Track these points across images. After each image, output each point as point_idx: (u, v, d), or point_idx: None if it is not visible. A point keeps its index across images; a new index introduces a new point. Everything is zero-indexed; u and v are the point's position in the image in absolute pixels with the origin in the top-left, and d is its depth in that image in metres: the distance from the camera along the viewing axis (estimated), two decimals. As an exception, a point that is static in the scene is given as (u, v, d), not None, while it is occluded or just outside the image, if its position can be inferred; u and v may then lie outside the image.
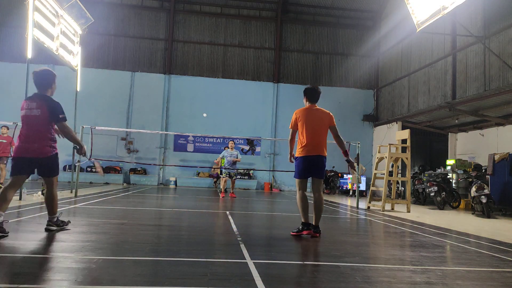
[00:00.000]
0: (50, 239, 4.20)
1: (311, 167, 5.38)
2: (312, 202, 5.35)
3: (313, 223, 5.30)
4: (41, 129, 4.54)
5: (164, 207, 8.89)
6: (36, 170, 4.58)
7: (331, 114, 5.55)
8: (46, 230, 4.67)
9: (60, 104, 4.72)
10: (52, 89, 4.85)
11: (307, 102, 5.68)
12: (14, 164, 4.51)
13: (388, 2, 19.32)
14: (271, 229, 6.35)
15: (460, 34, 13.55)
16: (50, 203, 4.73)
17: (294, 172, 5.58)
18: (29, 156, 4.46)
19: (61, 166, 18.38)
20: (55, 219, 4.78)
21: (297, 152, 5.51)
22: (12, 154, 5.34)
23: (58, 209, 4.86)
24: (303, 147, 5.42)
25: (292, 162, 5.74)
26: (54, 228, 4.73)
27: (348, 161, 5.52)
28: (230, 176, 12.43)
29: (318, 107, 5.62)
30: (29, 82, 8.68)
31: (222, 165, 13.79)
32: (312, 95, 5.63)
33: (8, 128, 11.45)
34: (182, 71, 19.61)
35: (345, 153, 5.52)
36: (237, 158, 12.42)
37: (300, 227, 5.31)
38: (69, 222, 5.03)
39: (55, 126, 4.76)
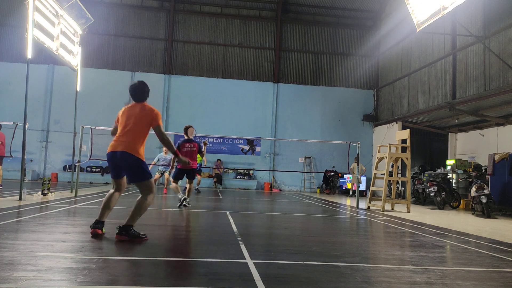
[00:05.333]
0: (50, 239, 4.20)
1: (117, 166, 4.61)
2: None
3: (124, 223, 4.53)
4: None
5: (164, 207, 8.90)
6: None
7: (155, 112, 4.72)
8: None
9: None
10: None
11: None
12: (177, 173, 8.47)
13: (388, 2, 19.32)
14: (271, 229, 6.34)
15: (460, 34, 13.55)
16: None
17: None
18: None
19: (61, 166, 18.42)
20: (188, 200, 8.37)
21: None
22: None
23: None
24: (112, 142, 4.74)
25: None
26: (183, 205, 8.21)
27: (179, 160, 5.00)
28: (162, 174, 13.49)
29: (144, 104, 4.81)
30: (29, 82, 8.69)
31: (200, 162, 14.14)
32: (132, 93, 4.84)
33: (1, 127, 10.92)
34: (182, 71, 19.61)
35: (175, 154, 4.88)
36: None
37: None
38: None
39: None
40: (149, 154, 19.27)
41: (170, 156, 13.24)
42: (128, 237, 4.44)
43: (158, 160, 13.33)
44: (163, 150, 13.48)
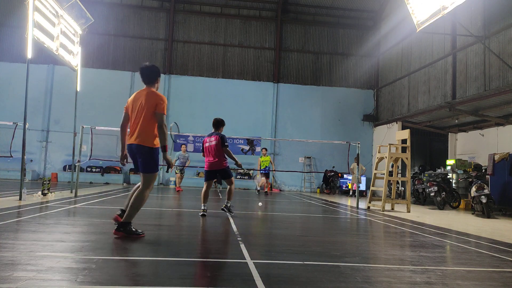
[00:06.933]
0: (50, 239, 4.20)
1: (133, 158, 4.72)
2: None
3: (122, 219, 4.60)
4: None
5: (164, 207, 8.90)
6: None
7: (160, 97, 4.70)
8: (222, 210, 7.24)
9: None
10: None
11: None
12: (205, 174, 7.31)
13: (388, 2, 19.31)
14: (271, 229, 6.34)
15: (460, 34, 13.55)
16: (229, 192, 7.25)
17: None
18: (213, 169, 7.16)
19: (61, 166, 18.42)
20: (229, 205, 7.21)
21: None
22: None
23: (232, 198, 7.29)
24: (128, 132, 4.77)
25: (124, 165, 5.17)
26: (227, 212, 7.17)
27: (164, 158, 4.69)
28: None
29: (150, 89, 4.79)
30: (29, 82, 8.69)
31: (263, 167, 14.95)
32: (142, 75, 4.87)
33: None
34: (182, 71, 19.60)
35: (163, 149, 4.66)
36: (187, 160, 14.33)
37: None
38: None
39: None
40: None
41: (188, 154, 14.40)
42: (125, 233, 4.50)
43: (178, 158, 13.86)
44: (181, 149, 14.21)
